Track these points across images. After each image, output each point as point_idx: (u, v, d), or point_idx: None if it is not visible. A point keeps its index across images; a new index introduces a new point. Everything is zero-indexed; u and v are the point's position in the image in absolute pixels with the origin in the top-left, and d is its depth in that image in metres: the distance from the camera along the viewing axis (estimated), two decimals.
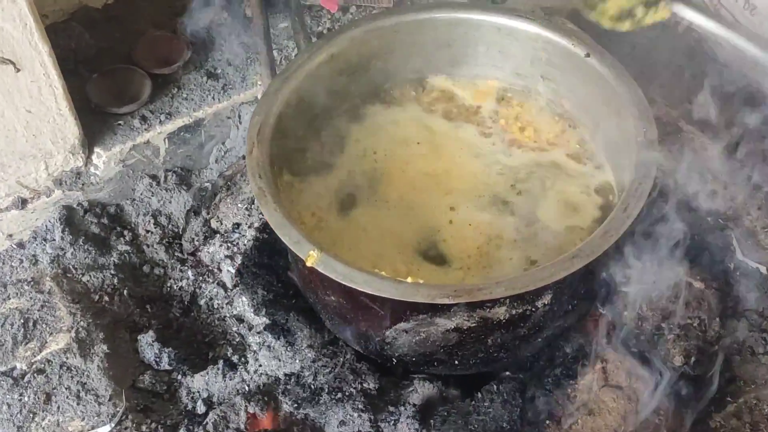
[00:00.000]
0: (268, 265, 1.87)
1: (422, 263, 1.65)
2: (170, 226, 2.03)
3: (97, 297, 1.88)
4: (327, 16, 2.36)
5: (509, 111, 1.91)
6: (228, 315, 1.86)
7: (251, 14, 1.94)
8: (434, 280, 1.61)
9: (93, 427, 1.67)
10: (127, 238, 2.00)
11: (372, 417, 1.61)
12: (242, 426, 1.63)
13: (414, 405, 1.62)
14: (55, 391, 1.71)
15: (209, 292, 1.90)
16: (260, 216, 1.88)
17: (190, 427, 1.67)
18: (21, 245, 1.97)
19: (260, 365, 1.73)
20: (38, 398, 1.70)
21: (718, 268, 1.83)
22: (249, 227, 1.89)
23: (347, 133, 1.89)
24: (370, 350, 1.64)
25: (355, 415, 1.61)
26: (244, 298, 1.83)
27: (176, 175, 2.08)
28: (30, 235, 1.97)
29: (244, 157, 1.87)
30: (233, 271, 1.86)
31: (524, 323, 1.51)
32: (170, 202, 2.05)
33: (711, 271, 1.80)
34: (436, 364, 1.60)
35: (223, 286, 1.89)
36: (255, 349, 1.75)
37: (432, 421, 1.61)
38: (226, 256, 1.88)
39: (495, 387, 1.63)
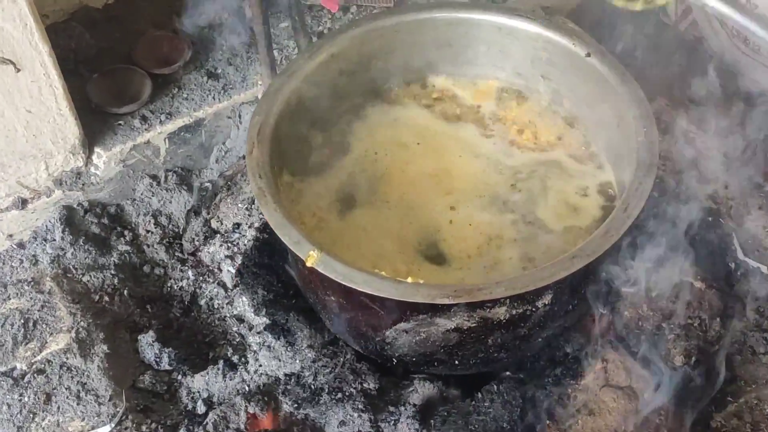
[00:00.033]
0: (269, 265, 1.86)
1: (422, 263, 1.65)
2: (170, 226, 2.03)
3: (97, 297, 1.88)
4: (327, 15, 2.36)
5: (510, 111, 1.91)
6: (228, 315, 1.86)
7: (251, 14, 1.94)
8: (434, 280, 1.61)
9: (93, 428, 1.67)
10: (127, 238, 2.00)
11: (372, 417, 1.61)
12: (242, 426, 1.63)
13: (414, 405, 1.62)
14: (55, 391, 1.71)
15: (209, 292, 1.90)
16: (260, 216, 1.88)
17: (190, 427, 1.67)
18: (21, 245, 1.97)
19: (260, 365, 1.73)
20: (38, 398, 1.70)
21: (719, 267, 1.83)
22: (249, 227, 1.89)
23: (348, 133, 1.88)
24: (370, 350, 1.64)
25: (356, 415, 1.61)
26: (244, 298, 1.83)
27: (176, 175, 2.08)
28: (30, 235, 1.97)
29: (244, 157, 1.87)
30: (233, 271, 1.86)
31: (524, 323, 1.50)
32: (170, 202, 2.05)
33: (712, 271, 1.79)
34: (436, 364, 1.60)
35: (224, 286, 1.89)
36: (255, 349, 1.75)
37: (432, 421, 1.61)
38: (227, 256, 1.88)
39: (495, 387, 1.63)
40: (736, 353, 1.74)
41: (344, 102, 1.91)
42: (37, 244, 1.95)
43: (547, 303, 1.48)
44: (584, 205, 1.73)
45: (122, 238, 1.99)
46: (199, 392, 1.73)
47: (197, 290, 1.92)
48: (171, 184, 2.06)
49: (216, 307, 1.89)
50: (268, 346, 1.73)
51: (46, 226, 1.97)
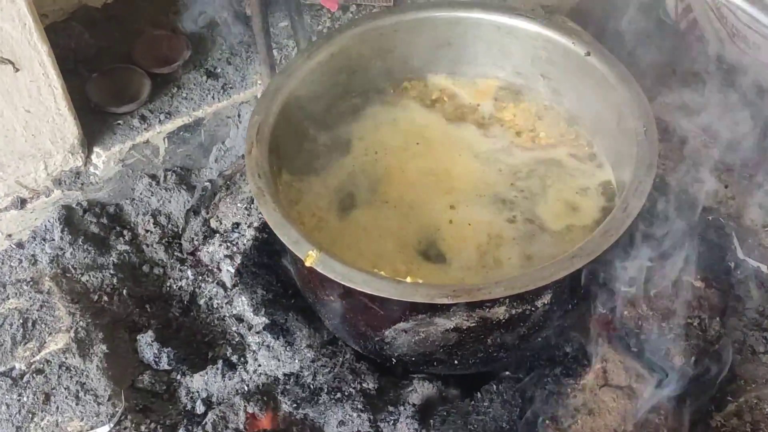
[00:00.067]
0: (268, 265, 1.86)
1: (422, 263, 1.65)
2: (170, 226, 2.03)
3: (96, 297, 1.87)
4: (327, 14, 2.35)
5: (509, 110, 1.91)
6: (227, 315, 1.86)
7: (251, 13, 1.94)
8: (434, 279, 1.60)
9: (92, 428, 1.67)
10: (126, 237, 2.00)
11: (371, 417, 1.61)
12: (241, 426, 1.63)
13: (413, 405, 1.62)
14: (54, 391, 1.70)
15: (209, 291, 1.90)
16: (260, 216, 1.88)
17: (189, 427, 1.66)
18: (20, 245, 1.96)
19: (259, 365, 1.73)
20: (37, 398, 1.70)
21: (719, 267, 1.83)
22: (248, 227, 1.89)
23: (347, 132, 1.88)
24: (370, 350, 1.64)
25: (355, 415, 1.60)
26: (243, 298, 1.82)
27: (176, 175, 2.08)
28: (29, 235, 1.97)
29: (243, 157, 1.87)
30: (233, 270, 1.86)
31: (524, 323, 1.50)
32: (170, 202, 2.05)
33: (711, 270, 1.79)
34: (435, 363, 1.60)
35: (223, 285, 1.89)
36: (254, 348, 1.75)
37: (431, 421, 1.61)
38: (226, 256, 1.88)
39: (495, 387, 1.63)
40: (736, 352, 1.74)
41: (344, 101, 1.91)
42: (36, 244, 1.95)
43: (546, 303, 1.48)
44: (584, 204, 1.73)
45: (121, 238, 1.99)
46: (198, 392, 1.73)
47: (196, 290, 1.92)
48: (170, 184, 2.06)
49: (215, 306, 1.89)
50: (267, 346, 1.73)
51: (45, 226, 1.97)
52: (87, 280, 1.90)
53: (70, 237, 1.94)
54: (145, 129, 2.08)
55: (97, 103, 2.09)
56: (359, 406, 1.61)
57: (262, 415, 1.64)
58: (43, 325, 1.80)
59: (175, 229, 2.03)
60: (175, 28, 2.29)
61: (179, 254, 1.99)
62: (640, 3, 2.41)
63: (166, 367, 1.78)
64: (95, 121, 2.08)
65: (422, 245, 1.67)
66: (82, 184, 2.03)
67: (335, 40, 1.84)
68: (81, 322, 1.79)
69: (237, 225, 1.90)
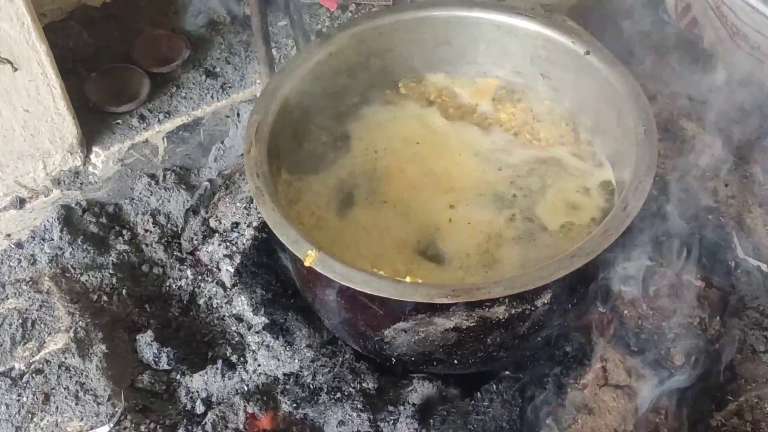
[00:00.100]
0: (267, 265, 1.86)
1: (421, 262, 1.64)
2: (169, 225, 2.03)
3: (95, 297, 1.87)
4: (326, 14, 2.35)
5: (509, 109, 1.90)
6: (227, 314, 1.85)
7: (250, 12, 1.94)
8: (433, 279, 1.60)
9: (92, 428, 1.66)
10: (125, 237, 1.99)
11: (371, 417, 1.60)
12: (241, 426, 1.63)
13: (413, 404, 1.62)
14: (53, 391, 1.70)
15: (208, 291, 1.90)
16: (259, 215, 1.88)
17: (189, 427, 1.66)
18: (19, 245, 1.96)
19: (259, 365, 1.73)
20: (37, 398, 1.70)
21: (719, 266, 1.83)
22: (248, 226, 1.88)
23: (346, 132, 1.88)
24: (369, 350, 1.64)
25: (354, 414, 1.60)
26: (242, 298, 1.82)
27: (175, 174, 2.08)
28: (28, 234, 1.97)
29: (243, 156, 1.87)
30: (232, 270, 1.86)
31: (523, 322, 1.50)
32: (169, 201, 2.04)
33: (711, 270, 1.79)
34: (435, 363, 1.59)
35: (222, 285, 1.88)
36: (254, 348, 1.75)
37: (431, 420, 1.61)
38: (225, 256, 1.87)
39: (494, 386, 1.63)
40: (736, 352, 1.74)
41: (343, 101, 1.91)
42: (35, 244, 1.95)
43: (546, 302, 1.48)
44: (584, 203, 1.73)
45: (121, 238, 1.99)
46: (197, 392, 1.73)
47: (196, 289, 1.92)
48: (169, 183, 2.06)
49: (215, 306, 1.88)
50: (267, 346, 1.73)
51: (45, 226, 1.97)
52: (86, 280, 1.89)
53: (70, 237, 1.94)
54: (144, 128, 2.08)
55: (96, 103, 2.09)
56: (359, 406, 1.61)
57: (262, 415, 1.64)
58: (42, 325, 1.80)
59: (175, 229, 2.03)
60: (175, 27, 2.29)
61: (179, 254, 1.98)
62: (640, 1, 2.41)
63: (166, 366, 1.78)
64: (94, 120, 2.08)
65: (422, 245, 1.67)
66: (81, 184, 2.03)
67: (334, 39, 1.84)
68: (80, 322, 1.78)
69: (236, 224, 1.90)
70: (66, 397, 1.69)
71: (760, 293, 1.82)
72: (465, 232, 1.69)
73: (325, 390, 1.64)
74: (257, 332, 1.76)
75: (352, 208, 1.75)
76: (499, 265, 1.64)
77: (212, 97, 2.15)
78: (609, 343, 1.64)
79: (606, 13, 2.31)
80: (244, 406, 1.64)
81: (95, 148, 2.04)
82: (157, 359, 1.77)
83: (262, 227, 1.87)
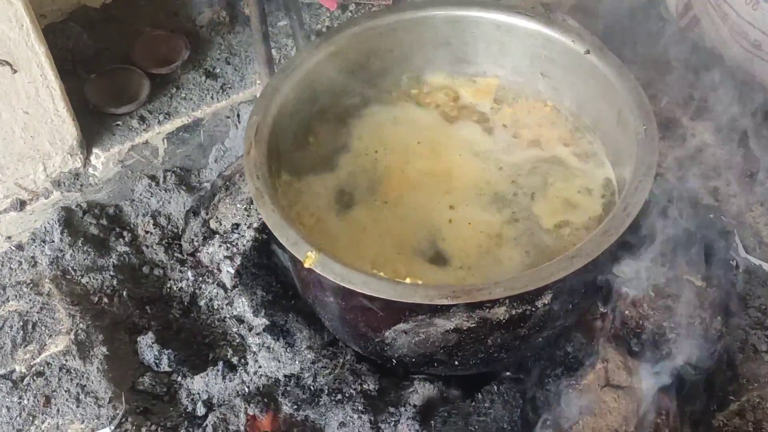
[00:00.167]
0: (267, 266, 1.86)
1: (422, 263, 1.64)
2: (169, 227, 2.03)
3: (96, 298, 1.87)
4: (326, 14, 2.35)
5: (509, 108, 1.90)
6: (228, 316, 1.85)
7: (249, 13, 1.93)
8: (434, 280, 1.60)
9: (93, 430, 1.66)
10: (126, 239, 1.99)
11: (372, 418, 1.60)
12: (242, 428, 1.63)
13: (414, 406, 1.62)
14: (54, 393, 1.70)
15: (209, 292, 1.90)
16: (259, 216, 1.87)
17: (190, 429, 1.66)
18: (20, 247, 1.96)
19: (260, 366, 1.72)
20: (38, 401, 1.70)
21: (720, 265, 1.82)
22: (248, 228, 1.88)
23: (347, 132, 1.87)
24: (370, 351, 1.63)
25: (355, 416, 1.60)
26: (243, 299, 1.82)
27: (175, 176, 2.08)
28: (29, 236, 1.97)
29: (242, 157, 1.87)
30: (232, 271, 1.85)
31: (524, 323, 1.49)
32: (169, 203, 2.05)
33: (713, 269, 1.78)
34: (436, 364, 1.59)
35: (223, 286, 1.88)
36: (255, 350, 1.74)
37: (432, 421, 1.60)
38: (226, 257, 1.87)
39: (495, 387, 1.62)
40: (737, 351, 1.74)
41: (343, 101, 1.90)
42: (35, 246, 1.95)
43: (546, 303, 1.48)
44: (584, 202, 1.72)
45: (121, 239, 1.99)
46: (198, 394, 1.73)
47: (197, 291, 1.92)
48: (170, 185, 2.06)
49: (215, 307, 1.88)
50: (268, 348, 1.73)
51: (45, 228, 1.97)
52: (87, 282, 1.89)
53: (70, 239, 1.94)
54: (144, 130, 2.08)
55: (96, 104, 2.09)
56: (360, 408, 1.61)
57: (263, 416, 1.64)
58: (43, 328, 1.80)
59: (175, 230, 2.03)
60: (174, 28, 2.29)
61: (179, 255, 1.98)
62: (641, 0, 2.41)
63: (167, 368, 1.78)
64: (94, 122, 2.08)
65: (422, 246, 1.67)
66: (81, 186, 2.03)
67: (334, 39, 1.84)
68: (81, 324, 1.78)
69: (237, 226, 1.90)
70: (67, 400, 1.69)
71: (761, 292, 1.81)
72: (465, 232, 1.68)
73: (326, 391, 1.64)
74: (258, 334, 1.76)
75: (352, 208, 1.74)
76: (499, 265, 1.63)
77: (212, 97, 2.15)
78: (610, 343, 1.63)
79: (606, 12, 2.31)
80: (245, 407, 1.64)
81: (95, 150, 2.04)
82: (157, 361, 1.77)
83: (263, 228, 1.87)
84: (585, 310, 1.65)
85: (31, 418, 1.68)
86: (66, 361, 1.74)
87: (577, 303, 1.58)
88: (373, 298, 1.43)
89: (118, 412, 1.67)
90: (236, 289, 1.84)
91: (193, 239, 1.95)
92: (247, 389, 1.70)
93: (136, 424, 1.67)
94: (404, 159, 1.82)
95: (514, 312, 1.45)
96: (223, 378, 1.72)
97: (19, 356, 1.76)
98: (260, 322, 1.78)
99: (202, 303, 1.90)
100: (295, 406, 1.63)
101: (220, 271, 1.89)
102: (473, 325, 1.46)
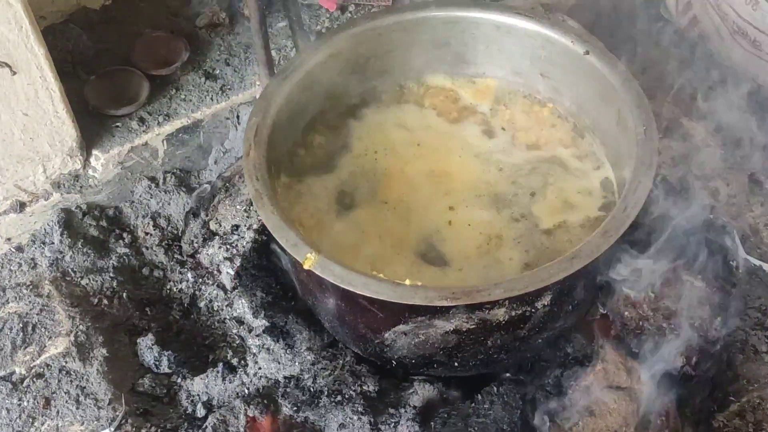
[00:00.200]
0: (267, 267, 1.86)
1: (421, 265, 1.64)
2: (169, 228, 2.03)
3: (96, 300, 1.87)
4: (325, 15, 2.35)
5: (508, 109, 1.90)
6: (228, 317, 1.85)
7: (249, 14, 1.93)
8: (433, 281, 1.60)
9: None
10: (126, 240, 1.99)
11: (372, 419, 1.60)
12: (242, 429, 1.62)
13: (414, 407, 1.61)
14: (54, 395, 1.70)
15: (209, 294, 1.90)
16: (259, 218, 1.87)
17: (190, 431, 1.66)
18: (20, 249, 1.96)
19: (260, 368, 1.72)
20: (37, 403, 1.70)
21: (720, 266, 1.82)
22: (248, 229, 1.88)
23: (346, 133, 1.87)
24: (370, 352, 1.63)
25: (355, 417, 1.60)
26: (243, 301, 1.82)
27: (175, 177, 2.08)
28: (29, 238, 1.97)
29: (242, 158, 1.87)
30: (232, 273, 1.85)
31: (524, 324, 1.49)
32: (169, 204, 2.04)
33: (713, 270, 1.78)
34: (435, 366, 1.59)
35: (223, 288, 1.88)
36: (254, 351, 1.74)
37: (432, 423, 1.60)
38: (225, 258, 1.87)
39: (495, 389, 1.62)
40: (738, 352, 1.73)
41: (342, 102, 1.90)
42: (35, 248, 1.95)
43: (546, 304, 1.47)
44: (584, 203, 1.72)
45: (121, 241, 1.99)
46: (198, 395, 1.73)
47: (196, 292, 1.92)
48: (169, 186, 2.06)
49: (215, 309, 1.88)
50: (267, 349, 1.73)
51: (45, 230, 1.97)
52: (87, 284, 1.89)
53: (70, 240, 1.94)
54: (143, 131, 2.08)
55: (96, 106, 2.09)
56: (360, 409, 1.61)
57: (263, 418, 1.64)
58: (42, 329, 1.80)
59: (175, 232, 2.03)
60: (174, 29, 2.29)
61: (179, 257, 1.98)
62: (641, 0, 2.41)
63: (167, 370, 1.77)
64: (93, 123, 2.08)
65: (422, 247, 1.66)
66: (81, 187, 2.03)
67: (334, 40, 1.84)
68: (81, 326, 1.78)
69: (236, 227, 1.90)
70: (67, 402, 1.69)
71: (762, 293, 1.81)
72: (465, 233, 1.68)
73: (326, 393, 1.63)
74: (258, 335, 1.76)
75: (352, 209, 1.74)
76: (499, 266, 1.63)
77: (212, 99, 2.15)
78: (610, 344, 1.64)
79: (606, 12, 2.31)
80: (245, 409, 1.64)
81: (95, 152, 2.04)
82: (157, 363, 1.77)
83: (262, 230, 1.86)
84: (585, 311, 1.65)
85: (30, 420, 1.68)
86: (66, 362, 1.74)
87: (577, 304, 1.57)
88: (373, 299, 1.43)
89: (117, 413, 1.67)
90: (236, 290, 1.84)
91: (192, 241, 1.95)
92: (246, 391, 1.70)
93: (135, 425, 1.67)
94: (404, 160, 1.82)
95: (513, 313, 1.45)
96: (223, 379, 1.72)
97: (19, 358, 1.76)
98: (260, 323, 1.78)
99: (201, 304, 1.90)
100: (295, 408, 1.63)
101: (219, 272, 1.89)
102: (473, 326, 1.46)
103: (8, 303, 1.85)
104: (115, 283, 1.90)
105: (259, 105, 1.71)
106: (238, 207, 1.91)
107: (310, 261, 1.44)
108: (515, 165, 1.80)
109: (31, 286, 1.87)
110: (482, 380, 1.67)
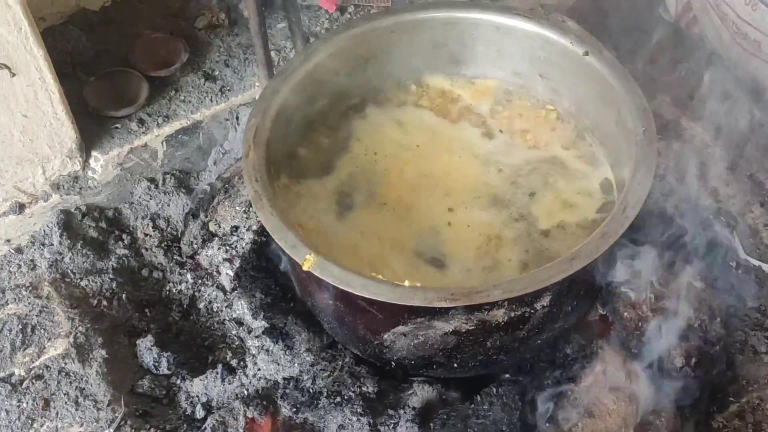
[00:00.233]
0: (266, 269, 1.86)
1: (421, 266, 1.64)
2: (169, 230, 2.03)
3: (95, 301, 1.87)
4: (325, 16, 2.35)
5: (508, 110, 1.90)
6: (227, 318, 1.85)
7: (248, 15, 1.93)
8: (433, 282, 1.60)
9: None
10: (125, 241, 1.99)
11: (371, 421, 1.60)
12: (241, 431, 1.62)
13: (413, 408, 1.62)
14: (53, 397, 1.70)
15: (208, 295, 1.89)
16: (258, 219, 1.87)
17: None
18: (19, 250, 1.96)
19: (259, 369, 1.72)
20: (37, 404, 1.70)
21: (720, 267, 1.82)
22: (247, 230, 1.88)
23: (346, 134, 1.87)
24: (369, 354, 1.63)
25: (354, 419, 1.60)
26: (242, 302, 1.82)
27: (174, 178, 2.07)
28: (28, 240, 1.97)
29: (241, 159, 1.87)
30: (232, 274, 1.85)
31: (523, 325, 1.49)
32: (169, 205, 2.04)
33: (712, 270, 1.78)
34: (435, 367, 1.59)
35: (222, 289, 1.88)
36: (254, 353, 1.74)
37: (432, 424, 1.60)
38: (225, 259, 1.87)
39: (494, 390, 1.62)
40: (737, 353, 1.73)
41: (342, 103, 1.90)
42: (35, 249, 1.95)
43: (545, 305, 1.47)
44: (583, 204, 1.72)
45: (120, 242, 1.99)
46: (198, 397, 1.73)
47: (196, 293, 1.92)
48: (169, 187, 2.06)
49: (215, 310, 1.88)
50: (267, 350, 1.73)
51: (44, 231, 1.97)
52: (86, 285, 1.89)
53: (69, 242, 1.94)
54: (143, 132, 2.08)
55: (95, 107, 2.09)
56: (359, 410, 1.61)
57: (262, 419, 1.64)
58: (42, 331, 1.80)
59: (175, 233, 2.03)
60: (173, 30, 2.29)
61: (178, 258, 1.98)
62: (640, 1, 2.40)
63: (166, 371, 1.77)
64: (93, 125, 2.07)
65: (421, 248, 1.66)
66: (80, 189, 2.03)
67: (333, 41, 1.84)
68: (80, 327, 1.78)
69: (236, 228, 1.90)
70: (66, 403, 1.69)
71: (761, 294, 1.81)
72: (464, 234, 1.68)
73: (325, 394, 1.63)
74: (257, 336, 1.76)
75: (351, 210, 1.74)
76: (498, 267, 1.63)
77: (211, 100, 2.14)
78: (609, 345, 1.63)
79: (605, 13, 2.31)
80: (244, 410, 1.64)
81: (94, 153, 2.04)
82: (157, 364, 1.77)
83: (262, 231, 1.86)
84: (584, 312, 1.65)
85: (30, 422, 1.68)
86: (65, 364, 1.73)
87: (576, 305, 1.58)
88: (372, 300, 1.43)
89: (117, 415, 1.67)
90: (235, 291, 1.84)
91: (192, 242, 1.95)
92: (246, 392, 1.70)
93: (135, 427, 1.67)
94: (403, 161, 1.82)
95: (513, 314, 1.45)
96: (222, 381, 1.72)
97: (18, 359, 1.76)
98: (259, 324, 1.78)
99: (201, 305, 1.90)
100: (294, 409, 1.63)
101: (219, 273, 1.89)
102: (472, 327, 1.46)
103: (8, 304, 1.85)
104: (114, 285, 1.90)
105: (258, 106, 1.71)
106: (237, 208, 1.91)
107: (309, 262, 1.44)
108: (514, 166, 1.80)
109: (30, 288, 1.87)
110: (481, 381, 1.67)
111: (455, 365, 1.57)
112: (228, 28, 2.30)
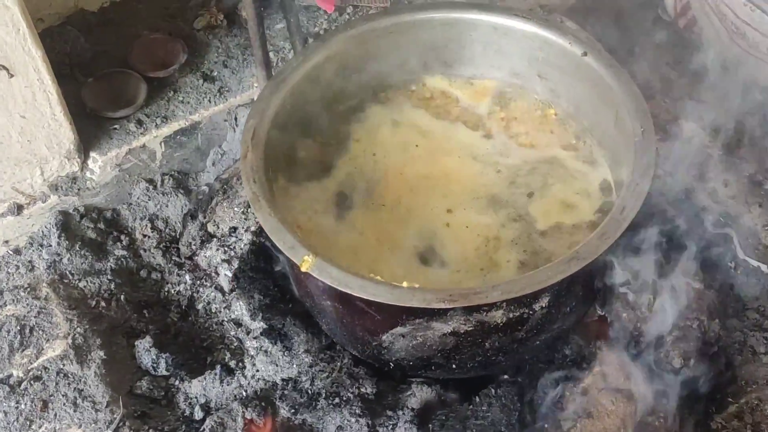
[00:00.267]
0: (265, 270, 1.86)
1: (419, 267, 1.64)
2: (167, 230, 2.03)
3: (93, 302, 1.87)
4: (323, 16, 2.34)
5: (506, 111, 1.90)
6: (226, 319, 1.85)
7: (246, 16, 1.93)
8: (431, 283, 1.60)
9: None
10: (123, 242, 1.99)
11: (370, 422, 1.60)
12: None
13: (412, 409, 1.62)
14: (51, 398, 1.70)
15: (207, 296, 1.89)
16: (257, 220, 1.87)
17: None
18: (17, 251, 1.96)
19: (257, 370, 1.72)
20: (35, 406, 1.69)
21: (719, 267, 1.82)
22: (245, 231, 1.88)
23: (343, 135, 1.87)
24: (367, 355, 1.63)
25: (353, 420, 1.60)
26: (241, 303, 1.82)
27: (173, 179, 2.07)
28: (26, 241, 1.97)
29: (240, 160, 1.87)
30: (230, 275, 1.85)
31: (522, 326, 1.49)
32: (167, 206, 2.04)
33: (711, 271, 1.78)
34: (433, 368, 1.59)
35: (221, 290, 1.88)
36: (252, 354, 1.74)
37: (430, 425, 1.60)
38: (223, 260, 1.87)
39: (493, 391, 1.62)
40: (736, 353, 1.73)
41: (341, 104, 1.90)
42: (33, 250, 1.95)
43: (544, 306, 1.47)
44: (581, 204, 1.72)
45: (119, 243, 1.99)
46: (196, 398, 1.72)
47: (194, 294, 1.92)
48: (167, 188, 2.06)
49: (213, 311, 1.88)
50: (265, 351, 1.73)
51: (42, 232, 1.96)
52: (84, 286, 1.89)
53: (67, 243, 1.94)
54: (141, 133, 2.07)
55: (93, 108, 2.08)
56: (357, 411, 1.61)
57: (260, 420, 1.64)
58: (40, 332, 1.79)
59: (173, 234, 2.02)
60: (171, 31, 2.28)
61: (177, 259, 1.98)
62: (639, 1, 2.40)
63: (165, 372, 1.77)
64: (91, 125, 2.07)
65: (419, 249, 1.66)
66: (78, 190, 2.03)
67: (331, 42, 1.84)
68: (79, 329, 1.78)
69: (234, 229, 1.90)
70: (64, 404, 1.69)
71: (760, 294, 1.81)
72: (463, 235, 1.68)
73: (324, 395, 1.63)
74: (255, 337, 1.76)
75: (350, 211, 1.74)
76: (497, 268, 1.63)
77: (210, 101, 2.14)
78: (608, 346, 1.63)
79: (604, 13, 2.30)
80: (243, 411, 1.64)
81: (93, 154, 2.03)
82: (155, 365, 1.77)
83: (260, 232, 1.86)
84: (583, 313, 1.65)
85: (28, 423, 1.67)
86: (63, 365, 1.73)
87: (575, 306, 1.57)
88: (371, 301, 1.43)
89: (115, 416, 1.67)
90: (234, 292, 1.84)
91: (190, 243, 1.95)
92: (244, 393, 1.70)
93: (133, 428, 1.67)
94: (402, 161, 1.82)
95: (511, 315, 1.45)
96: (221, 382, 1.72)
97: (17, 361, 1.76)
98: (258, 325, 1.78)
99: (199, 306, 1.89)
100: (293, 410, 1.63)
101: (217, 274, 1.89)
102: (471, 328, 1.46)
103: (6, 305, 1.84)
104: (112, 286, 1.90)
105: (256, 107, 1.71)
106: (235, 209, 1.91)
107: (307, 263, 1.44)
108: (513, 166, 1.80)
109: (28, 289, 1.87)
110: (480, 382, 1.67)
111: (454, 366, 1.56)
112: (226, 28, 2.29)
